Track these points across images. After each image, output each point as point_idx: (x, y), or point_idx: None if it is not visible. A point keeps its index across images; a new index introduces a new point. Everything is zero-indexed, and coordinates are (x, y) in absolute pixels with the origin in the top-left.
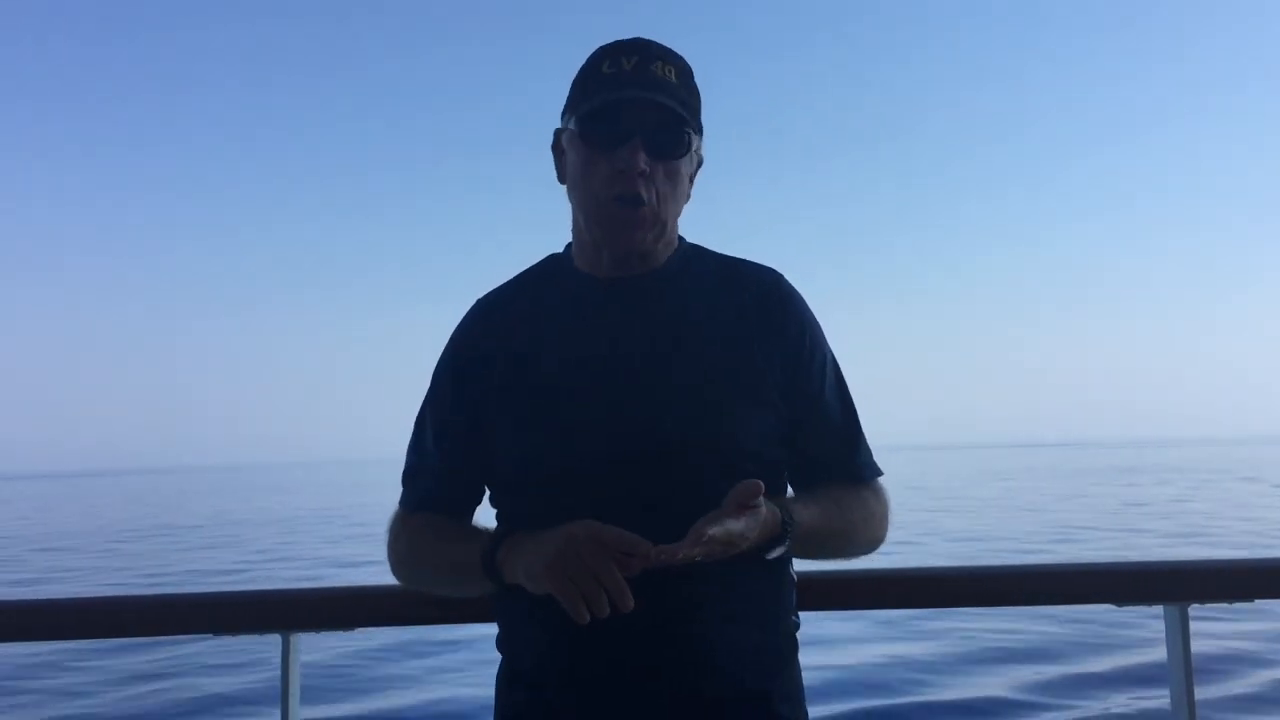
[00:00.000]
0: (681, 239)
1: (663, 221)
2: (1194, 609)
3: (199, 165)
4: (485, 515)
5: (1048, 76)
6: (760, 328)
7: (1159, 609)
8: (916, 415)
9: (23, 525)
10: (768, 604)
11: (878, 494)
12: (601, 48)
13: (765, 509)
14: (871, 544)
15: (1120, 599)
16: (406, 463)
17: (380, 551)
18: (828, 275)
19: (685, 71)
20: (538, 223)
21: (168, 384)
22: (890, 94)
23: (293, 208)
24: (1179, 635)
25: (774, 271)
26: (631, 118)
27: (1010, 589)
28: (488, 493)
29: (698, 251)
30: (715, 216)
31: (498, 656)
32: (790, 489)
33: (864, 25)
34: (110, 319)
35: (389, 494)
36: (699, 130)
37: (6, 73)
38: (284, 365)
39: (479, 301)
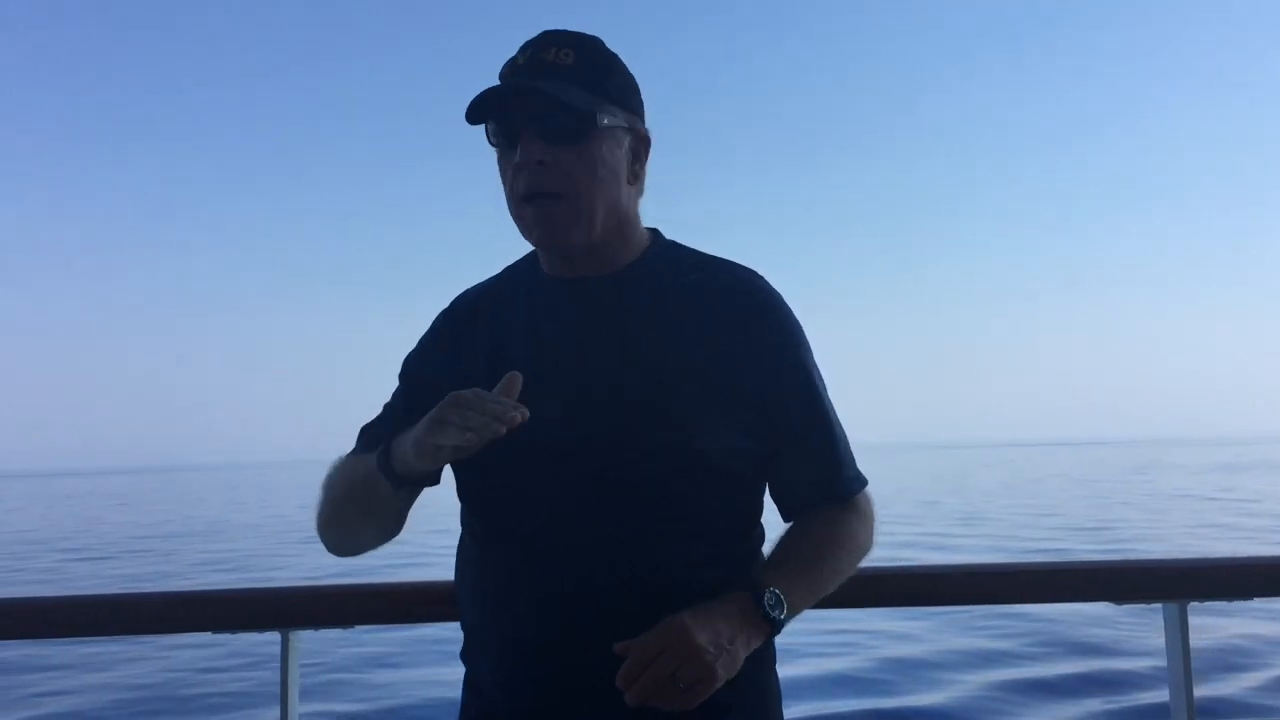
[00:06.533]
0: (657, 234)
1: (590, 211)
2: (1193, 607)
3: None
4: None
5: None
6: (734, 334)
7: (1158, 607)
8: (907, 414)
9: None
10: None
11: (861, 514)
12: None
13: (724, 601)
14: (856, 567)
15: (1119, 597)
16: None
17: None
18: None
19: (588, 49)
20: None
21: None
22: (885, 83)
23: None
24: (1178, 633)
25: (752, 272)
26: (520, 110)
27: (1008, 588)
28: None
29: (670, 249)
30: (697, 209)
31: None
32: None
33: (842, 23)
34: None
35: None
36: (616, 106)
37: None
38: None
39: (457, 298)
